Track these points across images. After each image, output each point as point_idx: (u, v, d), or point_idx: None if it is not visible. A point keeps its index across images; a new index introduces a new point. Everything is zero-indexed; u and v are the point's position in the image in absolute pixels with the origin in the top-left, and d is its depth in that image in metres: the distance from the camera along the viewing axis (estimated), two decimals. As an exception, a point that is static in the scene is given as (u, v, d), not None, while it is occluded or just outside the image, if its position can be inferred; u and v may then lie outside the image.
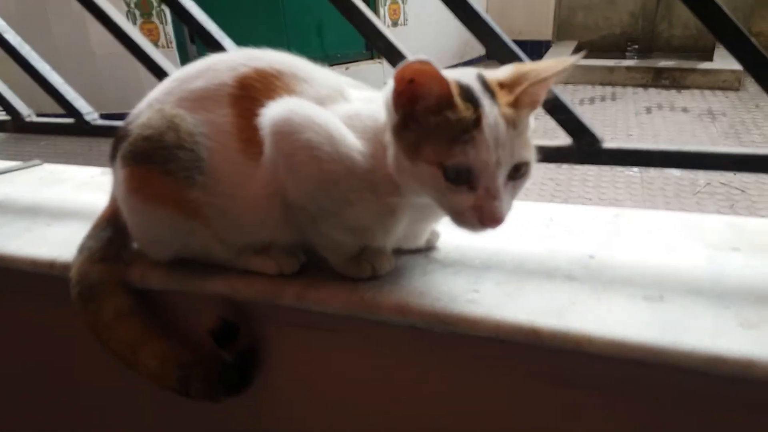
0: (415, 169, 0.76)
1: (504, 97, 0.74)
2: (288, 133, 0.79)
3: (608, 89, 6.17)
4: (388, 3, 6.29)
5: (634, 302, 0.83)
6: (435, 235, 1.00)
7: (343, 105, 0.87)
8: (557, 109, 0.96)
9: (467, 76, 0.77)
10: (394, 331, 0.89)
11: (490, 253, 0.97)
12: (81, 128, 1.26)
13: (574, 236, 1.02)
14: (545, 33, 7.23)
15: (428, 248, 1.00)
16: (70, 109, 1.26)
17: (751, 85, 5.74)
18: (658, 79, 6.00)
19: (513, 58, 1.01)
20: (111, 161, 0.95)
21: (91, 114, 1.27)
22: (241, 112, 0.86)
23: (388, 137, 0.79)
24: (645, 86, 6.06)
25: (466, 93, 0.74)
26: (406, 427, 0.99)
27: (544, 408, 0.87)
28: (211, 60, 0.92)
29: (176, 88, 0.90)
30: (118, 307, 0.97)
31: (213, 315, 0.97)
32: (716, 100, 5.59)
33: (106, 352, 0.97)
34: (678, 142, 4.76)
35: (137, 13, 5.45)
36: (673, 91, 5.85)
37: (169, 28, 5.58)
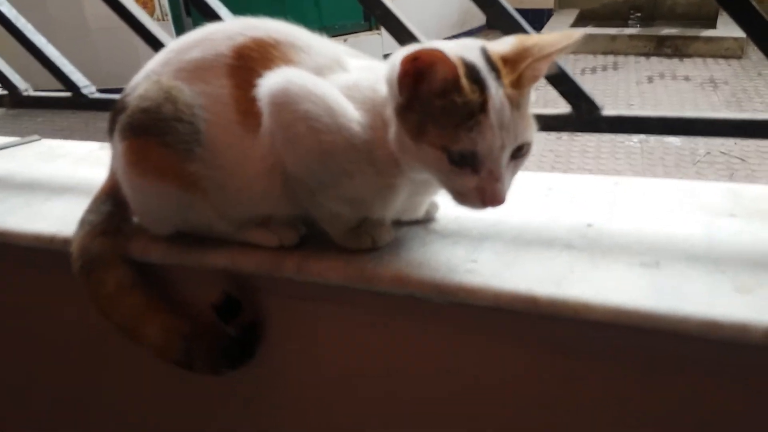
0: (418, 150, 0.76)
1: (508, 76, 0.73)
2: (285, 104, 0.79)
3: (610, 58, 6.10)
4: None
5: (631, 269, 0.84)
6: (434, 207, 1.01)
7: (341, 75, 0.86)
8: (556, 77, 0.96)
9: (472, 51, 0.75)
10: (394, 302, 0.90)
11: (489, 224, 0.98)
12: (78, 102, 1.26)
13: (572, 205, 1.02)
14: (547, 1, 7.13)
15: (427, 219, 1.00)
16: (66, 83, 1.25)
17: (754, 53, 5.67)
18: (661, 48, 5.93)
19: (515, 27, 1.00)
20: (109, 134, 0.95)
21: (88, 87, 1.26)
22: (238, 83, 0.85)
23: (389, 113, 0.78)
24: (647, 55, 5.99)
25: (473, 73, 0.72)
26: (405, 396, 1.00)
27: (543, 377, 0.89)
28: (208, 29, 0.91)
29: (173, 59, 0.89)
30: (119, 280, 0.98)
31: (215, 288, 0.98)
32: (719, 68, 5.54)
33: (110, 325, 0.98)
34: (681, 111, 4.72)
35: (133, -14, 5.36)
36: (675, 60, 5.79)
37: (165, 0, 5.50)
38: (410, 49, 0.71)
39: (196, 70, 0.87)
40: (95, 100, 1.26)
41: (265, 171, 0.85)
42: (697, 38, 5.83)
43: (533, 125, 0.78)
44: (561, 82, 0.97)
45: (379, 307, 0.93)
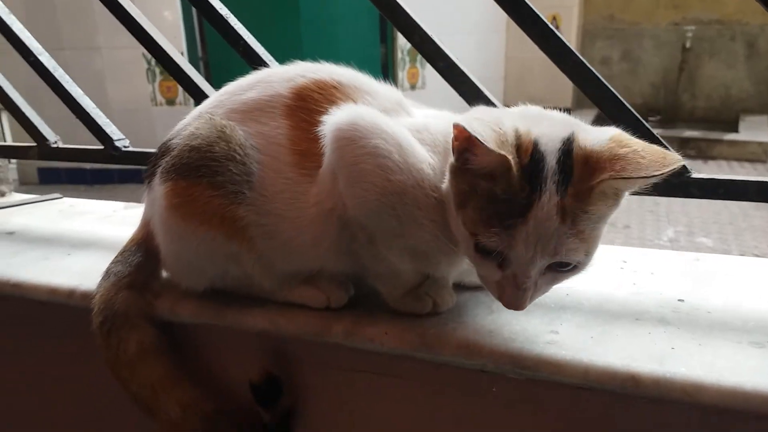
0: (456, 219, 0.69)
1: (578, 183, 0.63)
2: (353, 139, 0.71)
3: (632, 158, 6.12)
4: (407, 67, 6.38)
5: (741, 348, 0.72)
6: (499, 272, 0.90)
7: (407, 119, 0.79)
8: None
9: (553, 136, 0.65)
10: (458, 376, 0.77)
11: (563, 294, 0.86)
12: (110, 155, 1.19)
13: (656, 279, 0.92)
14: (564, 100, 7.27)
15: (491, 286, 0.89)
16: (100, 135, 1.20)
17: (779, 158, 5.69)
18: (684, 149, 5.86)
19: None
20: (147, 183, 0.87)
21: (122, 141, 1.20)
22: (296, 123, 0.78)
23: (447, 165, 0.71)
24: (670, 156, 6.01)
25: (532, 170, 0.63)
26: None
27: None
28: (265, 72, 0.86)
29: (226, 101, 0.83)
30: (141, 343, 0.87)
31: (250, 358, 0.87)
32: (744, 171, 5.53)
33: (125, 392, 0.86)
34: (709, 212, 4.66)
35: (157, 71, 5.55)
36: (699, 162, 5.80)
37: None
38: (474, 116, 0.64)
39: (251, 111, 0.81)
40: (128, 153, 1.19)
41: (320, 216, 0.76)
42: (720, 141, 5.88)
43: (593, 246, 0.66)
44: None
45: (440, 381, 0.80)
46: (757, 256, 3.86)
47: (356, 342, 0.80)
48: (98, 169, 5.50)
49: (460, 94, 0.99)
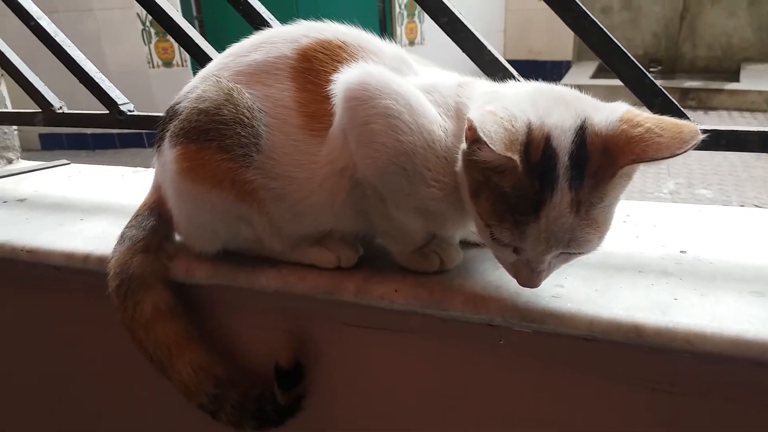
0: (471, 207, 0.70)
1: (596, 173, 0.63)
2: (364, 99, 0.71)
3: (633, 110, 6.07)
4: (405, 22, 6.26)
5: (743, 298, 0.74)
6: (505, 229, 0.92)
7: (415, 78, 0.79)
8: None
9: (566, 128, 0.64)
10: (466, 330, 0.80)
11: (567, 248, 0.88)
12: (115, 119, 1.19)
13: (658, 231, 0.94)
14: (565, 53, 7.17)
15: (498, 243, 0.91)
16: (105, 99, 1.19)
17: (780, 107, 5.64)
18: (684, 100, 5.90)
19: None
20: (156, 147, 0.88)
21: (127, 104, 1.20)
22: (302, 85, 0.78)
23: (460, 150, 0.70)
24: (671, 107, 5.96)
25: (543, 168, 0.62)
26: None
27: (640, 417, 0.77)
28: (268, 33, 0.85)
29: (231, 63, 0.83)
30: (157, 305, 0.89)
31: (264, 321, 0.91)
32: (745, 121, 5.48)
33: (140, 352, 0.89)
34: (709, 163, 4.65)
35: (152, 31, 5.44)
36: (699, 112, 5.74)
37: (185, 47, 5.58)
38: (488, 109, 0.63)
39: (257, 74, 0.81)
40: (134, 117, 1.19)
41: (330, 177, 0.77)
42: (721, 91, 5.81)
43: (607, 228, 0.67)
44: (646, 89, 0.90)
45: (448, 335, 0.83)
46: (758, 206, 3.88)
47: (367, 299, 0.82)
48: (100, 134, 5.45)
49: (463, 50, 0.98)
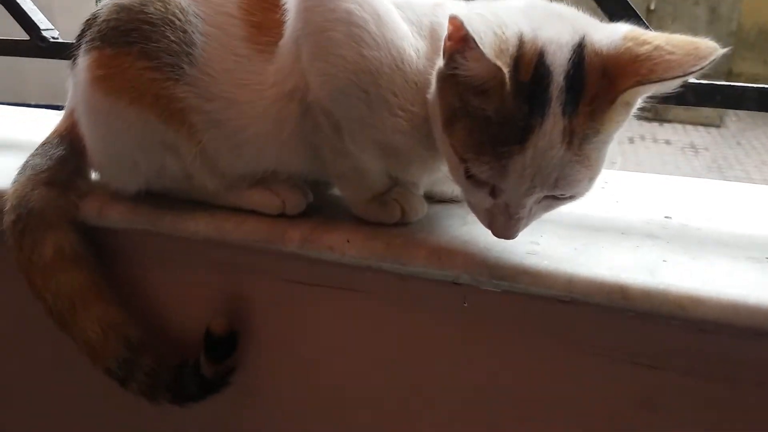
0: (442, 138, 0.59)
1: (593, 100, 0.53)
2: (322, 0, 0.59)
3: (589, 119, 6.14)
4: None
5: (738, 263, 0.66)
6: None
7: None
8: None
9: (563, 43, 0.55)
10: (427, 289, 0.70)
11: (542, 208, 0.79)
12: (36, 46, 1.04)
13: (639, 198, 0.85)
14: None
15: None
16: (25, 23, 1.04)
17: (733, 123, 5.79)
18: (641, 111, 5.99)
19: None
20: (71, 61, 0.74)
21: (50, 31, 1.05)
22: None
23: (435, 72, 0.61)
24: (627, 117, 6.05)
25: (534, 88, 0.53)
26: (441, 412, 0.78)
27: (618, 394, 0.68)
28: None
29: (165, -41, 0.70)
30: (61, 247, 0.76)
31: (190, 275, 0.79)
32: (698, 135, 5.60)
33: (39, 301, 0.75)
34: (662, 173, 4.72)
35: None
36: (655, 124, 5.84)
37: None
38: (476, 11, 0.54)
39: None
40: (57, 45, 1.04)
41: (277, 101, 0.66)
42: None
43: (598, 171, 0.58)
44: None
45: (407, 295, 0.72)
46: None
47: (314, 251, 0.71)
48: (43, 105, 5.13)
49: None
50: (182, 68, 0.65)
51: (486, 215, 0.61)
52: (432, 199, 0.79)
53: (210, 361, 0.76)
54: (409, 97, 0.63)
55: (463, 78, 0.55)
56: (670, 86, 0.55)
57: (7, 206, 0.75)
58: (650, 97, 0.60)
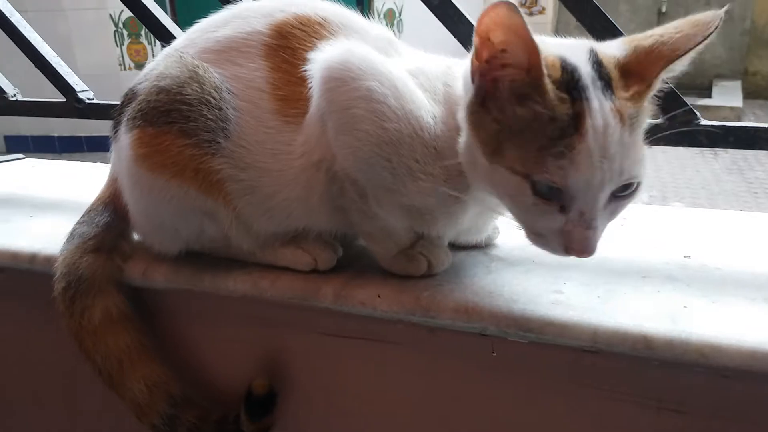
0: (492, 172, 0.60)
1: (624, 88, 0.57)
2: (345, 80, 0.64)
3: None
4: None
5: (757, 305, 0.68)
6: (495, 231, 0.85)
7: (401, 61, 0.72)
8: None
9: (576, 51, 0.59)
10: (455, 341, 0.72)
11: (563, 252, 0.81)
12: (73, 108, 1.10)
13: (658, 236, 0.87)
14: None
15: (486, 245, 0.84)
16: (62, 85, 1.10)
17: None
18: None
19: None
20: (113, 135, 0.79)
21: (85, 92, 1.10)
22: (277, 64, 0.71)
23: (461, 116, 0.64)
24: (644, 121, 6.04)
25: (567, 78, 0.56)
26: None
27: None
28: (240, 7, 0.77)
29: (198, 39, 0.75)
30: (108, 311, 0.80)
31: (228, 330, 0.82)
32: (716, 136, 5.56)
33: (89, 364, 0.79)
34: (681, 177, 4.69)
35: (125, 33, 5.31)
36: (672, 127, 5.81)
37: (158, 48, 5.45)
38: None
39: (226, 51, 0.73)
40: (93, 106, 1.10)
41: (306, 169, 0.69)
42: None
43: (645, 156, 0.60)
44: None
45: (436, 347, 0.75)
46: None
47: (346, 305, 0.74)
48: (67, 137, 5.28)
49: (454, 35, 0.91)
50: (218, 142, 0.70)
51: (559, 237, 0.60)
52: (457, 246, 0.83)
53: (250, 419, 0.79)
54: (429, 162, 0.66)
55: (500, 91, 0.58)
56: (686, 62, 0.59)
57: (58, 274, 0.79)
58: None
